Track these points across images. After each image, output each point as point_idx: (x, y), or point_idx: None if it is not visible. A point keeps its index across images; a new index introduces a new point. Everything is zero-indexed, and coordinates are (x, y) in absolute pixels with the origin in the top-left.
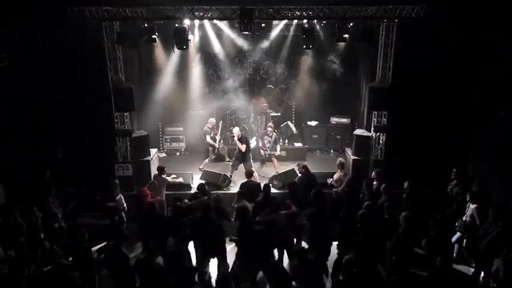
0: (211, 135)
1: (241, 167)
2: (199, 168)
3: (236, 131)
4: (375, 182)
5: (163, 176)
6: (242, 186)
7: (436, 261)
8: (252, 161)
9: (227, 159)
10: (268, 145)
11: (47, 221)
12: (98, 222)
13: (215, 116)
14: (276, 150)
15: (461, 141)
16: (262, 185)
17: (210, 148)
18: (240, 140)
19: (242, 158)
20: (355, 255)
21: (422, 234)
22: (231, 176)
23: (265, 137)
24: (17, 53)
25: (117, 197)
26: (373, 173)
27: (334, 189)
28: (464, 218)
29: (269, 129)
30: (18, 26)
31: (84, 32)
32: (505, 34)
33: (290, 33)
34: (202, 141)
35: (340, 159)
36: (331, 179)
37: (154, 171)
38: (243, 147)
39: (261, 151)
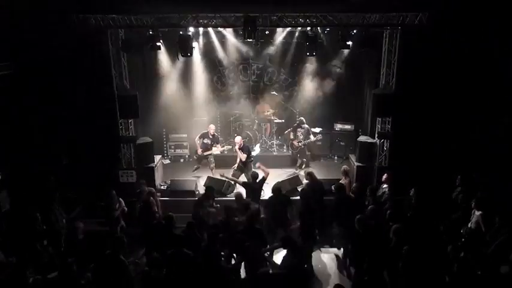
0: (205, 140)
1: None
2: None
3: (238, 140)
4: (385, 185)
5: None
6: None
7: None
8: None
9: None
10: (301, 137)
11: (51, 227)
12: (102, 228)
13: (219, 123)
14: (309, 139)
15: (465, 147)
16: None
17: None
18: (241, 149)
19: (243, 167)
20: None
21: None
22: (235, 184)
23: (298, 129)
24: (22, 60)
25: (117, 206)
26: (385, 175)
27: None
28: (469, 225)
29: (302, 124)
30: (23, 33)
31: (89, 39)
32: (506, 40)
33: (294, 40)
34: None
35: (345, 166)
36: None
37: (158, 178)
38: (243, 156)
39: (295, 143)
